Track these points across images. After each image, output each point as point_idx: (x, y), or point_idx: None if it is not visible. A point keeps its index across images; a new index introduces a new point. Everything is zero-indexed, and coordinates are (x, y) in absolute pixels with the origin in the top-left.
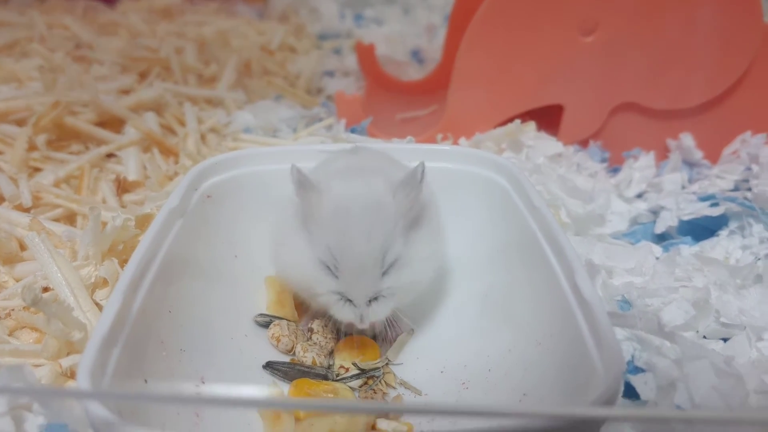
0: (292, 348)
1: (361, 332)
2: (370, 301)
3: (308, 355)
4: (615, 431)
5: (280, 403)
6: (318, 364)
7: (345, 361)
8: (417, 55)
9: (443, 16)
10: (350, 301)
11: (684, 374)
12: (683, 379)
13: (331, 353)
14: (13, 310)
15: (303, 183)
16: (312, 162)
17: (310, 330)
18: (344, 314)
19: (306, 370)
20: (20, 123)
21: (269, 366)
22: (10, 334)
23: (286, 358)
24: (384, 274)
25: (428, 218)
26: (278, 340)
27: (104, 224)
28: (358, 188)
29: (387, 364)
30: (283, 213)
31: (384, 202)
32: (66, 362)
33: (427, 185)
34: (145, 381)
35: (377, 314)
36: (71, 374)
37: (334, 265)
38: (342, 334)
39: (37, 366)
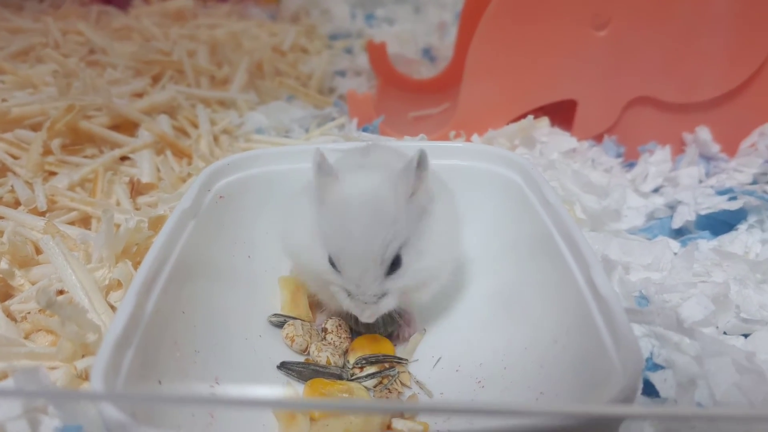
0: (307, 348)
1: (375, 331)
2: (376, 299)
3: (322, 355)
4: (634, 429)
5: (294, 403)
6: (332, 364)
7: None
8: (428, 53)
9: (454, 13)
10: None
11: (704, 371)
12: (704, 376)
13: (345, 353)
14: (29, 313)
15: (322, 166)
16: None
17: (324, 330)
18: (349, 306)
19: (320, 369)
20: (35, 128)
21: (283, 366)
22: (26, 337)
23: (301, 358)
24: (391, 273)
25: (440, 209)
26: (292, 340)
27: (118, 226)
28: (359, 184)
29: (400, 362)
30: (297, 201)
31: (384, 197)
32: (81, 364)
33: (437, 176)
34: (159, 382)
35: (381, 309)
36: (86, 376)
37: (338, 265)
38: (356, 333)
39: (52, 368)
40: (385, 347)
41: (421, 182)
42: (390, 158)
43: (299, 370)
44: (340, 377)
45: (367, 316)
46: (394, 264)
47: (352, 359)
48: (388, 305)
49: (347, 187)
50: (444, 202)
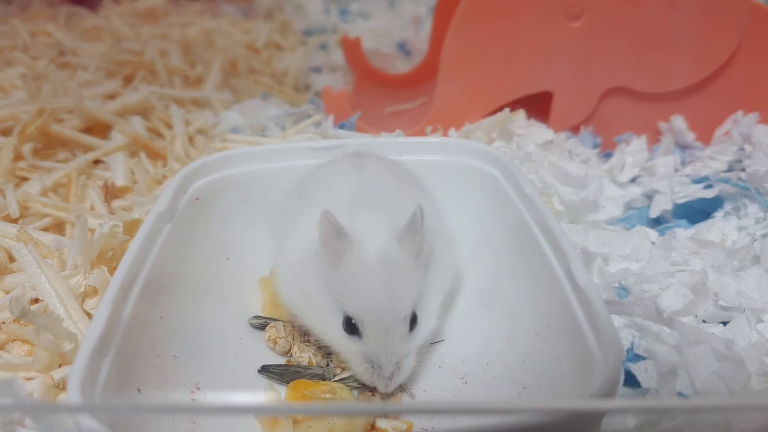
0: (289, 349)
1: None
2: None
3: (305, 355)
4: (617, 420)
5: (275, 408)
6: (315, 364)
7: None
8: (404, 48)
9: (429, 7)
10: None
11: (684, 360)
12: (684, 365)
13: (330, 353)
14: (3, 323)
15: (339, 232)
16: (300, 159)
17: (308, 332)
18: (369, 379)
19: (302, 370)
20: (5, 132)
21: (264, 370)
22: (1, 348)
23: (283, 360)
24: (410, 330)
25: (436, 245)
26: (275, 342)
27: (92, 232)
28: (372, 247)
29: None
30: (291, 246)
31: (397, 257)
32: (58, 374)
33: (429, 199)
34: (139, 390)
35: (403, 376)
36: (63, 386)
37: (360, 328)
38: None
39: (28, 379)
40: None
41: (422, 238)
42: (386, 181)
43: (280, 373)
44: (323, 377)
45: (388, 388)
46: (413, 322)
47: (335, 358)
48: (407, 370)
49: (362, 251)
50: (437, 233)
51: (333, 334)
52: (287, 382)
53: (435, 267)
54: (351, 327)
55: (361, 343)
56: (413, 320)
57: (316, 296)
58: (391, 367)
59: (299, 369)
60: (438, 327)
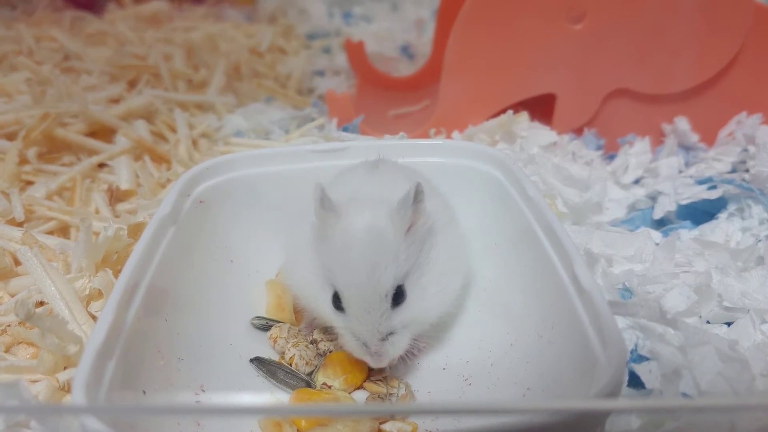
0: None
1: None
2: (384, 337)
3: (293, 350)
4: (621, 420)
5: (279, 410)
6: (295, 365)
7: (329, 378)
8: (407, 51)
9: (432, 10)
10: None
11: (688, 361)
12: (688, 365)
13: (316, 367)
14: (9, 325)
15: (324, 202)
16: (303, 163)
17: (315, 340)
18: (358, 352)
19: (290, 372)
20: (10, 137)
21: (257, 361)
22: (6, 351)
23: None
24: (395, 307)
25: (442, 235)
26: (275, 341)
27: (97, 235)
28: (359, 220)
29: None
30: (298, 230)
31: (383, 231)
32: (63, 376)
33: (439, 197)
34: (144, 392)
35: (393, 352)
36: (68, 388)
37: (343, 303)
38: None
39: (34, 382)
40: (357, 367)
41: (419, 215)
42: (396, 179)
43: (271, 369)
44: (307, 384)
45: (378, 363)
46: (398, 297)
47: (321, 376)
48: (398, 348)
49: (348, 224)
50: (446, 224)
51: (324, 309)
52: (273, 377)
53: (441, 249)
54: (337, 302)
55: (346, 319)
56: (399, 296)
57: (309, 272)
58: (376, 343)
59: (288, 370)
60: (437, 307)
